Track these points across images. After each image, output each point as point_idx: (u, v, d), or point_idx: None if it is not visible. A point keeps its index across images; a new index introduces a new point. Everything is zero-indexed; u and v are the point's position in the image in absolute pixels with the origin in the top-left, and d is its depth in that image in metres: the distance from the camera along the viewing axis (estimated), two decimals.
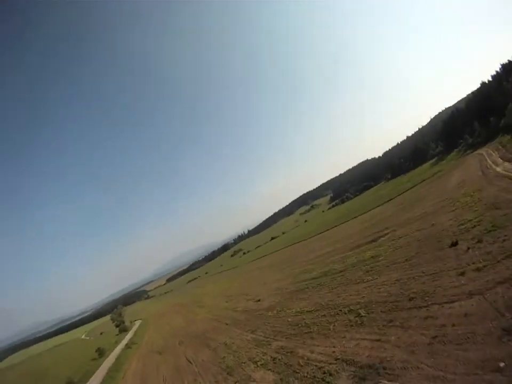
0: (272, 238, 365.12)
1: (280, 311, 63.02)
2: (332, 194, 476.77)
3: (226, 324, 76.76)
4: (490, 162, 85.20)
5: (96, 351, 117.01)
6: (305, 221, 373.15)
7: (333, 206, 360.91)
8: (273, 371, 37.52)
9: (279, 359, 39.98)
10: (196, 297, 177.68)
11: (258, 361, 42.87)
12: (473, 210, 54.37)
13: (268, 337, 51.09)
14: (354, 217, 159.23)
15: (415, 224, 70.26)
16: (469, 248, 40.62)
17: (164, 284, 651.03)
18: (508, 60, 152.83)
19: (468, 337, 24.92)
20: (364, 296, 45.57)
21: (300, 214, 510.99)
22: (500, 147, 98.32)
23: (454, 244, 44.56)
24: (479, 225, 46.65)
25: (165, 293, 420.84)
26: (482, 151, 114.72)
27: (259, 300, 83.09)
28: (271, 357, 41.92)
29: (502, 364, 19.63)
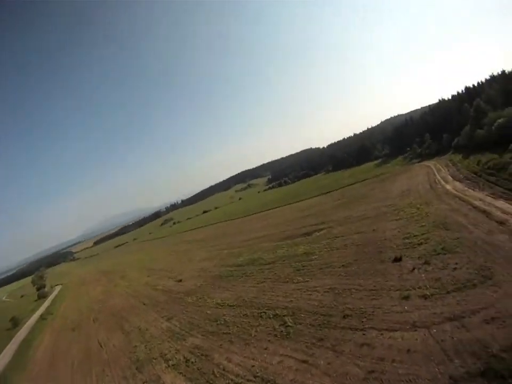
0: (205, 212, 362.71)
1: (200, 298, 59.37)
2: (270, 176, 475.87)
3: (144, 304, 72.37)
4: (439, 178, 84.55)
5: (10, 320, 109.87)
6: (240, 199, 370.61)
7: (270, 188, 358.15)
8: (185, 376, 33.85)
9: (192, 362, 36.23)
10: (119, 266, 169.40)
11: (170, 360, 38.98)
12: (420, 225, 52.00)
13: (183, 330, 47.31)
14: (290, 204, 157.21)
15: (355, 225, 67.94)
16: (414, 269, 37.74)
17: (91, 246, 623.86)
18: (473, 85, 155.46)
19: (410, 381, 21.55)
20: (292, 300, 41.95)
21: (236, 191, 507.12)
22: (450, 164, 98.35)
23: (398, 259, 41.70)
24: (426, 243, 43.94)
25: (91, 256, 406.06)
26: (430, 163, 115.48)
27: (181, 280, 79.62)
28: (184, 358, 38.08)
29: None
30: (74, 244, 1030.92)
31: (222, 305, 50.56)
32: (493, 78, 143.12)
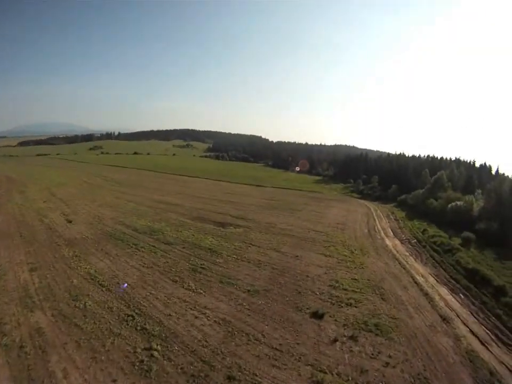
0: (135, 153, 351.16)
1: (76, 256, 47.03)
2: (211, 145, 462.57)
3: (21, 236, 56.22)
4: (379, 227, 77.02)
5: None
6: (174, 154, 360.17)
7: (206, 156, 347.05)
8: None
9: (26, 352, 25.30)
10: (27, 176, 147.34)
11: None
12: (352, 277, 43.46)
13: (39, 295, 34.92)
14: (218, 180, 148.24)
15: (276, 238, 58.88)
16: (337, 340, 28.61)
17: (15, 146, 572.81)
18: (440, 157, 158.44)
19: None
20: (170, 316, 31.44)
21: (174, 145, 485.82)
22: (392, 217, 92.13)
23: (319, 316, 32.51)
24: (356, 306, 35.27)
25: (9, 156, 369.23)
26: (371, 205, 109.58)
27: (71, 221, 65.52)
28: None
29: None
30: (1, 137, 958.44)
31: (91, 281, 39.04)
32: (458, 161, 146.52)
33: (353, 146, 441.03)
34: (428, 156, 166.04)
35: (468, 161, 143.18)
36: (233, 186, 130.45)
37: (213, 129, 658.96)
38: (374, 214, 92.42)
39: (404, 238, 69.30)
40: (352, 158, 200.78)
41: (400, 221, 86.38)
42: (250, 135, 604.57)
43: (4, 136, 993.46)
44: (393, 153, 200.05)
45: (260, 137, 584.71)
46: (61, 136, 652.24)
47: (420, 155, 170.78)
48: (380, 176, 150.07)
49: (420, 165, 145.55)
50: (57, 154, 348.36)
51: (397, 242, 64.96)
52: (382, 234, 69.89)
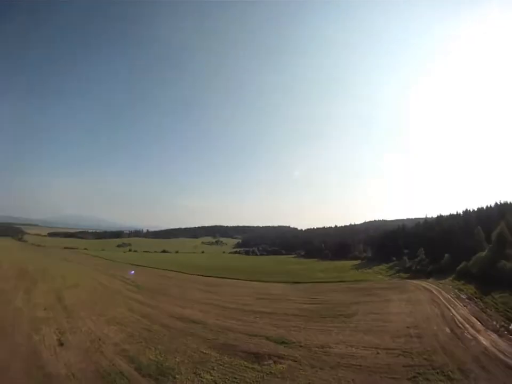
0: (164, 251, 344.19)
1: None
2: (240, 241, 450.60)
3: None
4: (460, 318, 57.70)
5: None
6: (202, 252, 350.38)
7: (236, 252, 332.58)
8: None
9: None
10: (42, 273, 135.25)
11: None
12: None
13: None
14: (250, 280, 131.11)
15: (335, 373, 39.79)
16: None
17: (44, 236, 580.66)
18: (485, 206, 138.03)
19: None
20: None
21: (202, 242, 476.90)
22: (463, 297, 73.50)
23: None
24: None
25: (38, 245, 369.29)
26: (429, 286, 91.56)
27: (63, 344, 48.48)
28: None
29: None
30: (32, 225, 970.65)
31: None
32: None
33: (383, 220, 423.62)
34: (475, 207, 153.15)
35: None
36: (267, 287, 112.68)
37: (241, 224, 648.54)
38: (442, 298, 73.72)
39: (498, 325, 51.04)
40: (389, 233, 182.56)
41: (476, 300, 68.05)
42: (278, 226, 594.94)
43: (36, 224, 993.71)
44: (430, 217, 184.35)
45: (288, 227, 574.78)
46: (90, 231, 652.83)
47: (459, 212, 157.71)
48: (424, 247, 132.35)
49: (466, 221, 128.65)
50: (85, 249, 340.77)
51: (494, 336, 46.57)
52: (470, 329, 51.11)
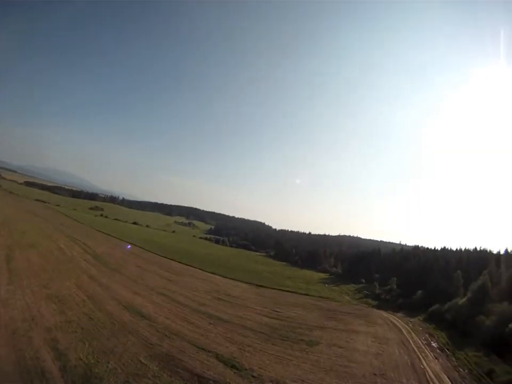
0: (134, 223, 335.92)
1: None
2: (213, 227, 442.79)
3: None
4: (431, 374, 51.34)
5: None
6: (173, 231, 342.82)
7: (206, 239, 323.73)
8: None
9: None
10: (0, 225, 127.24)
11: None
12: None
13: None
14: (212, 273, 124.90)
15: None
16: None
17: (20, 183, 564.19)
18: (463, 248, 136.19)
19: None
20: None
21: (175, 221, 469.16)
22: (435, 345, 67.77)
23: None
24: None
25: (9, 192, 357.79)
26: (397, 321, 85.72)
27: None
28: None
29: None
30: (10, 170, 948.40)
31: None
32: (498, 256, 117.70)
33: (357, 237, 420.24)
34: (446, 248, 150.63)
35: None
36: (229, 285, 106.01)
37: (216, 211, 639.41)
38: (412, 342, 67.53)
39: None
40: (362, 254, 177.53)
41: (448, 353, 62.67)
42: (253, 221, 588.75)
43: (14, 170, 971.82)
44: (406, 244, 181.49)
45: (263, 223, 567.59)
46: (67, 187, 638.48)
47: (443, 247, 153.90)
48: (397, 276, 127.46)
49: (446, 261, 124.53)
50: (57, 205, 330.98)
51: None
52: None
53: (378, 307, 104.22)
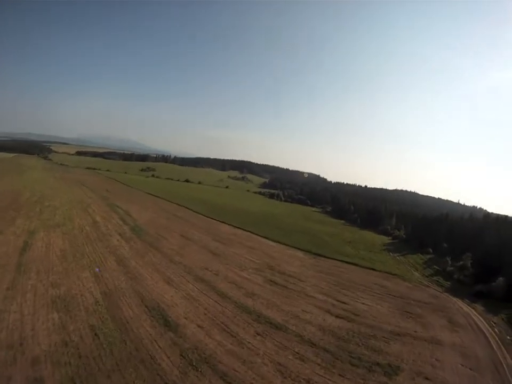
0: (186, 181, 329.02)
1: None
2: (267, 181, 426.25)
3: None
4: None
5: None
6: (227, 187, 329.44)
7: (260, 193, 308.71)
8: None
9: None
10: (37, 202, 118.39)
11: None
12: None
13: None
14: (265, 237, 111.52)
15: None
16: None
17: (72, 154, 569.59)
18: None
19: None
20: None
21: (229, 176, 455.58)
22: None
23: None
24: None
25: (60, 164, 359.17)
26: (481, 321, 66.33)
27: None
28: None
29: None
30: (62, 143, 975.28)
31: None
32: None
33: (414, 192, 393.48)
34: None
35: None
36: (284, 256, 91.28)
37: (270, 163, 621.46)
38: (505, 365, 48.76)
39: None
40: (431, 219, 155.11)
41: None
42: (308, 173, 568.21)
43: (65, 143, 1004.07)
44: (465, 204, 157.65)
45: (318, 176, 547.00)
46: (119, 152, 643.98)
47: None
48: (470, 250, 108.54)
49: None
50: (107, 170, 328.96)
51: None
52: None
53: (453, 292, 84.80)
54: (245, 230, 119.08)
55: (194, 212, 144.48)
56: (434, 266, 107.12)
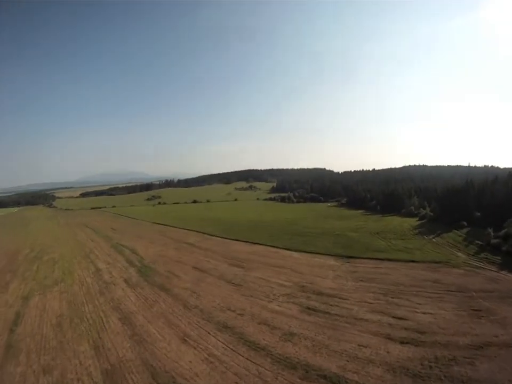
0: (194, 201, 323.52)
1: None
2: (275, 184, 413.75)
3: None
4: None
5: None
6: (235, 200, 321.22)
7: (271, 199, 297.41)
8: None
9: None
10: (25, 270, 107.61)
11: None
12: None
13: None
14: (286, 249, 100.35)
15: None
16: None
17: (76, 197, 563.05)
18: None
19: None
20: None
21: (236, 188, 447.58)
22: None
23: None
24: None
25: (65, 209, 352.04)
26: None
27: None
28: None
29: None
30: (66, 188, 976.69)
31: None
32: None
33: (423, 165, 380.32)
34: None
35: None
36: (314, 268, 78.19)
37: (275, 167, 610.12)
38: None
39: None
40: (456, 190, 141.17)
41: None
42: (313, 169, 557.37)
43: (69, 186, 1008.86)
44: (476, 166, 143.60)
45: (324, 169, 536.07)
46: (121, 185, 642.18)
47: None
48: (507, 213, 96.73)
49: None
50: (113, 206, 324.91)
51: None
52: None
53: (509, 268, 71.97)
54: (263, 245, 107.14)
55: (205, 234, 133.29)
56: (476, 242, 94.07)
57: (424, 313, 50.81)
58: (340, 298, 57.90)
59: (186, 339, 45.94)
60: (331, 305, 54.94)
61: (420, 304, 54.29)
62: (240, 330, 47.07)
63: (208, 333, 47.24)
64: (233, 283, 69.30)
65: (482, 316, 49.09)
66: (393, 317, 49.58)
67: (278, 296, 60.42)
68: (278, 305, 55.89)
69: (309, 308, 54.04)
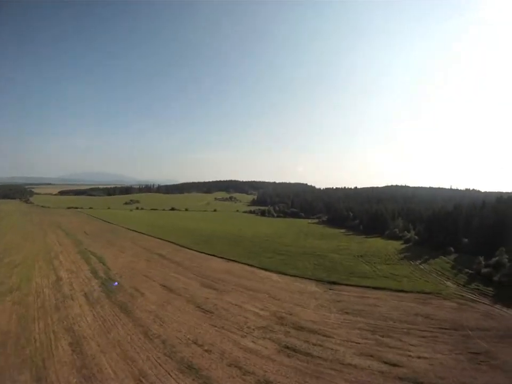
0: (172, 209, 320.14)
1: None
2: (255, 197, 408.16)
3: None
4: None
5: None
6: (215, 210, 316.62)
7: (251, 212, 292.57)
8: None
9: None
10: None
11: None
12: None
13: None
14: (265, 270, 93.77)
15: None
16: None
17: (54, 194, 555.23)
18: None
19: None
20: None
21: (216, 198, 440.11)
22: None
23: None
24: None
25: (41, 206, 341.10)
26: None
27: None
28: None
29: None
30: (46, 184, 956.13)
31: None
32: None
33: (405, 186, 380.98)
34: None
35: None
36: (294, 295, 70.78)
37: (256, 179, 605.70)
38: None
39: None
40: (443, 214, 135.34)
41: None
42: (295, 183, 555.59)
43: (49, 183, 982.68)
44: (458, 189, 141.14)
45: (306, 184, 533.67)
46: (101, 187, 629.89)
47: None
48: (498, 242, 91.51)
49: None
50: (90, 208, 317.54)
51: None
52: None
53: (503, 301, 66.42)
54: (239, 263, 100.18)
55: (180, 246, 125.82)
56: (466, 270, 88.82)
57: (419, 357, 44.38)
58: (323, 335, 50.67)
59: (142, 380, 38.10)
60: (313, 344, 47.71)
61: (413, 345, 47.79)
62: (206, 374, 39.23)
63: (169, 373, 39.39)
64: (203, 309, 61.38)
65: (482, 361, 43.30)
66: (385, 362, 42.74)
67: (253, 329, 52.89)
68: (253, 342, 48.36)
69: (287, 347, 46.57)
